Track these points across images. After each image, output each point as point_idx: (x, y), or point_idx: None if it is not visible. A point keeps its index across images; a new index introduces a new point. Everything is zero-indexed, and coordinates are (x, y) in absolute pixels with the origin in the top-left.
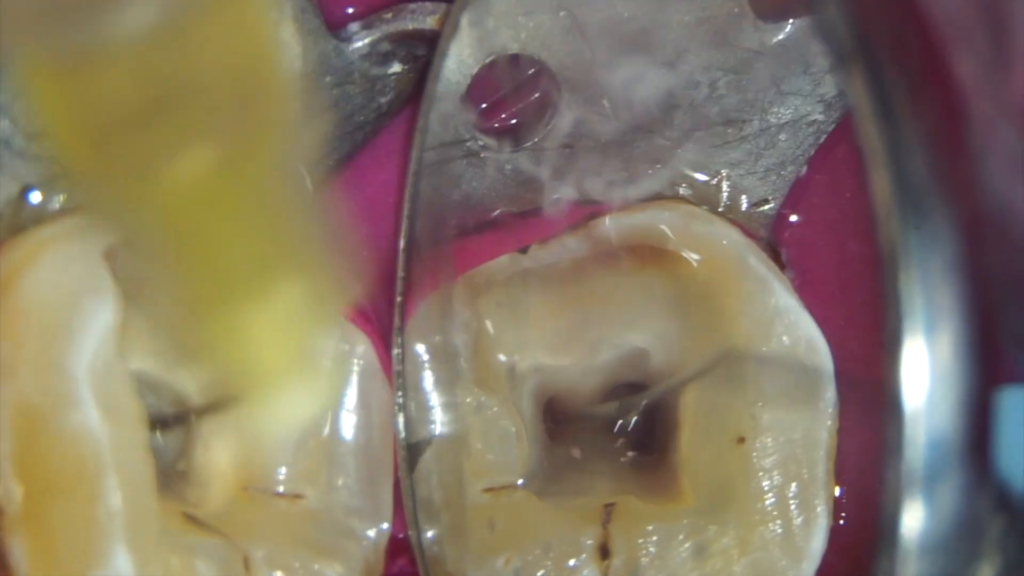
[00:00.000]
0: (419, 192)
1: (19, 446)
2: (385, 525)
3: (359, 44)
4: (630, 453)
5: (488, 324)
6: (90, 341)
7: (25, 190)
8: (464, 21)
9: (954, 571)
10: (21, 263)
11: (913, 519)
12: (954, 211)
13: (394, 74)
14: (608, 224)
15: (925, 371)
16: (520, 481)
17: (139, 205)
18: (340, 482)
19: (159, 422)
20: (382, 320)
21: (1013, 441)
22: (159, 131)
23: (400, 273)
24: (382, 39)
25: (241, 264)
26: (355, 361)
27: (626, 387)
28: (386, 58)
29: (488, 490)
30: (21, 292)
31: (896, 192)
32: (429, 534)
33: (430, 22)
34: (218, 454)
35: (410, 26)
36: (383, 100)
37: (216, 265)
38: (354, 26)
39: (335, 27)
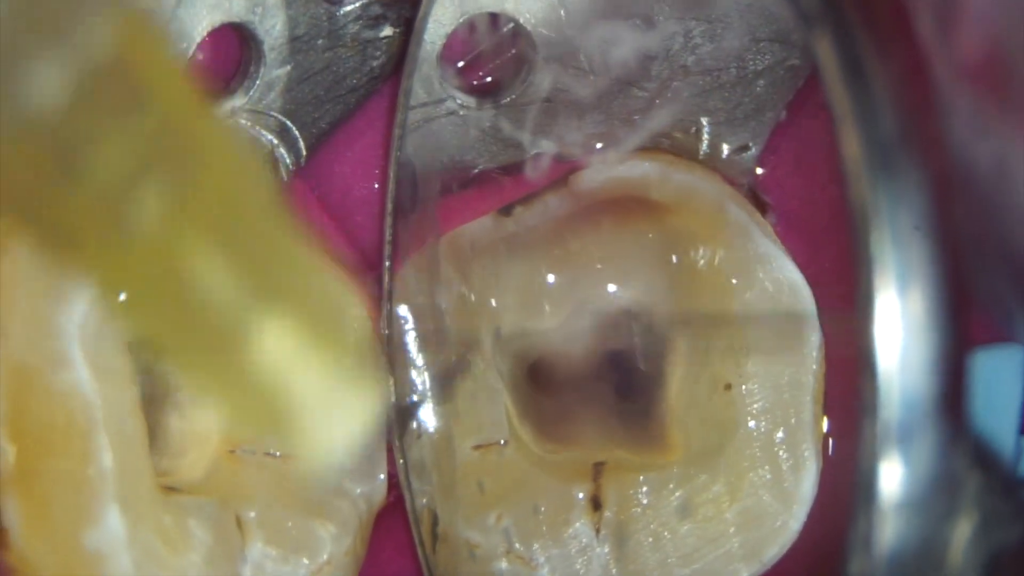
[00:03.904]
0: (404, 154)
1: (11, 406)
2: (380, 478)
3: (350, 8)
4: (619, 402)
5: (472, 289)
6: (80, 301)
7: None
8: None
9: (931, 528)
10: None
11: (889, 477)
12: (923, 170)
13: (385, 37)
14: (589, 177)
15: (898, 330)
16: (504, 440)
17: (108, 257)
18: None
19: None
20: (374, 284)
21: (988, 398)
22: (95, 181)
23: (387, 236)
24: (372, 2)
25: (239, 294)
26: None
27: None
28: (377, 21)
29: (477, 447)
30: (13, 255)
31: (865, 152)
32: (421, 495)
33: None
34: (199, 421)
35: None
36: (375, 63)
37: (213, 301)
38: None
39: None
